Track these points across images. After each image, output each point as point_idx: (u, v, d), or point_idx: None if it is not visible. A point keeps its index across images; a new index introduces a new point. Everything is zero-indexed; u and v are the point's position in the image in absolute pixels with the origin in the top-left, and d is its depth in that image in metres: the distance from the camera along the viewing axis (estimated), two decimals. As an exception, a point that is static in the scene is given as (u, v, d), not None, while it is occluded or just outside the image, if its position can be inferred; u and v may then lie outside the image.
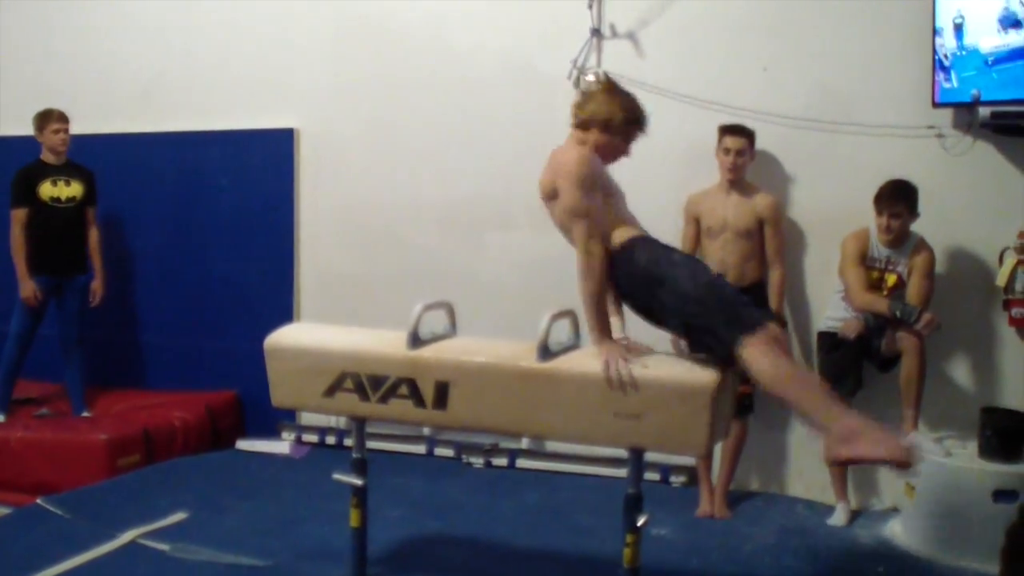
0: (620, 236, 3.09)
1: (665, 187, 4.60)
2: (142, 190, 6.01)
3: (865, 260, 4.30)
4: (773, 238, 4.50)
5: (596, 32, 4.94)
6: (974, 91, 4.13)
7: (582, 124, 3.20)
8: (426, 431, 5.23)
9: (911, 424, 4.16)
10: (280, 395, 3.51)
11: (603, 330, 3.05)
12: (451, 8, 5.28)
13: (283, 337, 3.52)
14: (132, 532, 4.00)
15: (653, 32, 4.87)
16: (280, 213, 5.68)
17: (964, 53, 4.17)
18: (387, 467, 4.78)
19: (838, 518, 4.35)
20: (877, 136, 4.47)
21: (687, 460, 4.67)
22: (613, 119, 3.16)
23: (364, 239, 5.54)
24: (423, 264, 5.32)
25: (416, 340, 3.24)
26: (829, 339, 4.40)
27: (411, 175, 5.41)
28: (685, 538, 4.11)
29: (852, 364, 4.33)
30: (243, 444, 5.45)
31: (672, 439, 2.96)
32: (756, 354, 2.78)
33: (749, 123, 4.52)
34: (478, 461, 5.13)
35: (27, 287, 5.36)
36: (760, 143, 4.54)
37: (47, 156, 5.49)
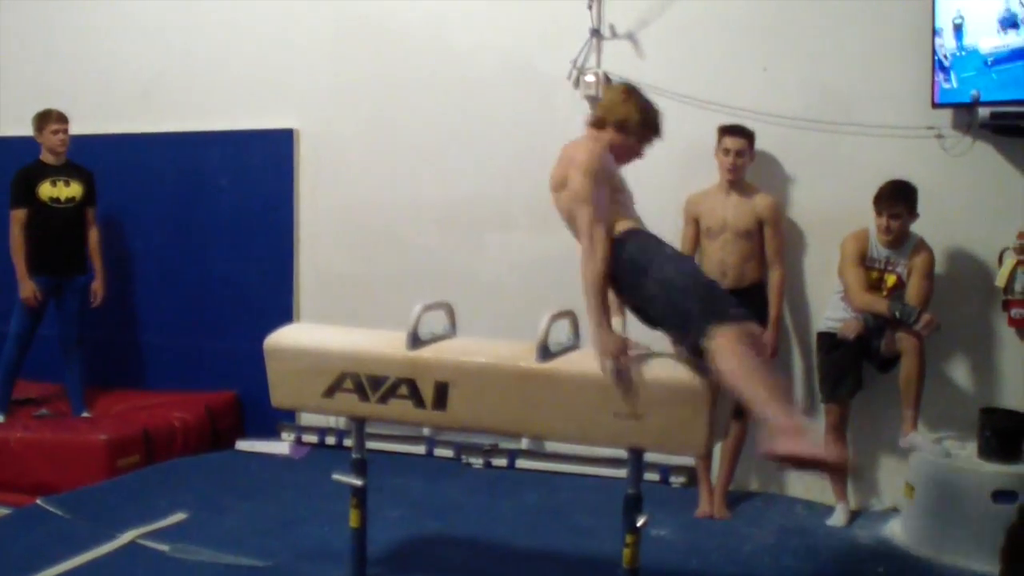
0: (619, 227, 3.11)
1: (664, 187, 4.60)
2: (142, 190, 6.01)
3: (865, 260, 4.29)
4: (773, 239, 4.50)
5: (596, 32, 4.94)
6: (974, 91, 4.13)
7: (598, 123, 3.26)
8: (426, 431, 5.23)
9: (911, 424, 4.15)
10: (280, 395, 3.51)
11: (603, 317, 3.03)
12: (451, 8, 5.28)
13: (283, 337, 3.52)
14: (132, 532, 4.00)
15: (653, 32, 4.87)
16: (280, 213, 5.68)
17: (964, 53, 4.17)
18: (387, 467, 4.78)
19: (837, 518, 4.35)
20: (877, 136, 4.48)
21: (687, 460, 4.68)
22: (629, 120, 3.22)
23: (364, 239, 5.54)
24: (423, 264, 5.32)
25: (416, 340, 3.25)
26: (829, 339, 4.40)
27: (411, 175, 5.41)
28: (685, 538, 4.11)
29: (852, 364, 4.33)
30: (243, 444, 5.45)
31: (672, 439, 2.97)
32: (722, 345, 2.76)
33: (749, 123, 4.52)
34: (478, 461, 5.13)
35: (27, 287, 5.36)
36: (760, 143, 4.54)
37: (46, 156, 5.49)
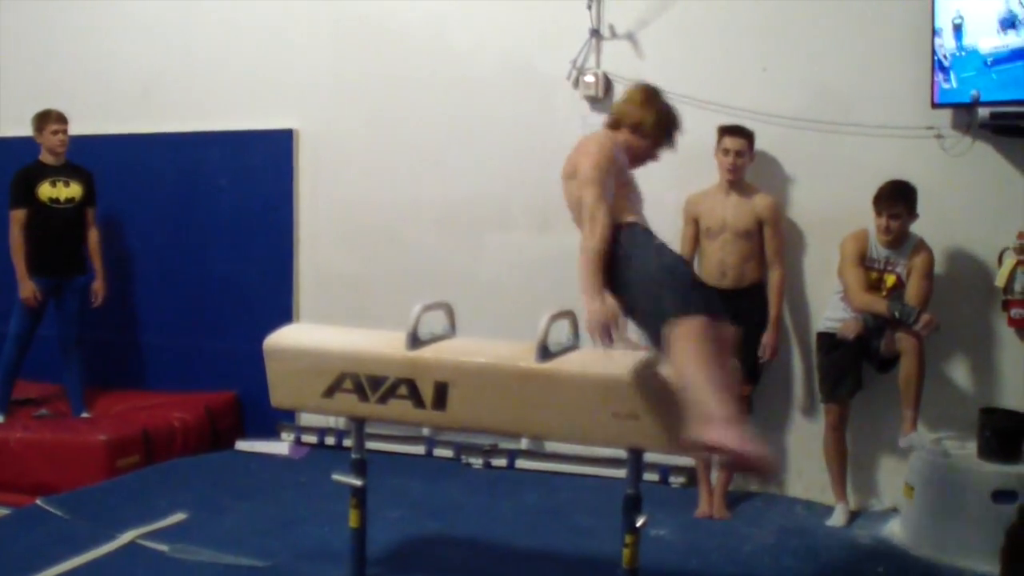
0: (623, 219, 3.12)
1: (664, 187, 4.58)
2: (142, 190, 6.01)
3: (864, 261, 4.29)
4: (772, 239, 4.50)
5: (595, 32, 4.94)
6: (973, 92, 4.13)
7: (613, 123, 3.33)
8: (425, 432, 5.23)
9: (910, 424, 4.15)
10: (279, 396, 3.51)
11: (596, 289, 3.03)
12: (451, 8, 5.28)
13: (282, 338, 3.52)
14: (131, 533, 4.00)
15: (652, 32, 4.87)
16: (280, 213, 5.68)
17: (963, 54, 4.17)
18: (386, 468, 4.77)
19: (837, 518, 4.35)
20: (876, 136, 4.47)
21: (686, 461, 4.68)
22: (644, 123, 3.28)
23: (364, 239, 5.54)
24: (423, 264, 5.32)
25: (415, 340, 3.24)
26: (828, 340, 4.40)
27: (411, 175, 5.41)
28: (684, 539, 4.11)
29: (851, 365, 4.33)
30: (242, 445, 5.45)
31: (671, 439, 2.97)
32: (681, 332, 2.77)
33: (748, 123, 4.52)
34: (477, 462, 5.13)
35: (26, 288, 5.36)
36: (759, 143, 4.54)
37: (46, 157, 5.49)
